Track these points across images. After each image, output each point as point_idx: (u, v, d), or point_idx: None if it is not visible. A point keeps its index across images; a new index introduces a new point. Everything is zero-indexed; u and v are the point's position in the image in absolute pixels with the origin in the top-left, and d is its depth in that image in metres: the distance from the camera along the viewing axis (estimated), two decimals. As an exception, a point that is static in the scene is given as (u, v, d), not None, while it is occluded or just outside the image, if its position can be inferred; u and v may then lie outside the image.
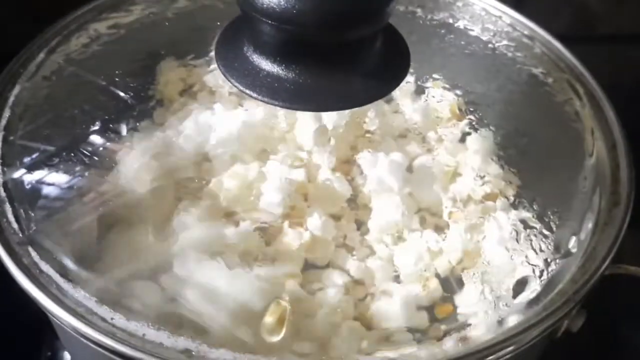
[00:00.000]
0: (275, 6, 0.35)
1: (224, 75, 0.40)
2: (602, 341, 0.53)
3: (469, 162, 0.44)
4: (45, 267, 0.36)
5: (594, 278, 0.36)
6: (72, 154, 0.42)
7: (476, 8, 0.53)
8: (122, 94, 0.45)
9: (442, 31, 0.52)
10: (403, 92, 0.48)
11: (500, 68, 0.51)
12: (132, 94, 0.45)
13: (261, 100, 0.39)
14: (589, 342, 0.47)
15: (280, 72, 0.39)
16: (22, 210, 0.39)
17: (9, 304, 0.49)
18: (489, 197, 0.43)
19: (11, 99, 0.43)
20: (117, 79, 0.46)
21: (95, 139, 0.43)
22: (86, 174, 0.41)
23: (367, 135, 0.45)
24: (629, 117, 0.47)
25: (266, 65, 0.39)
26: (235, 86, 0.39)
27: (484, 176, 0.44)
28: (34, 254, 0.37)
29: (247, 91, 0.39)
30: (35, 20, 0.48)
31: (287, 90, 0.38)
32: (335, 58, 0.38)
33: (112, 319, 0.34)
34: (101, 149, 0.43)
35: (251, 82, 0.39)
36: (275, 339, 0.35)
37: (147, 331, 0.33)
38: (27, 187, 0.40)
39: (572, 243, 0.39)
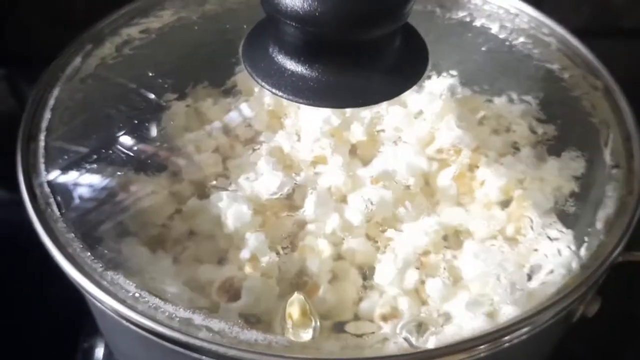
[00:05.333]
0: (298, 9, 0.37)
1: (251, 75, 0.41)
2: (618, 327, 0.54)
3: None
4: (87, 255, 0.38)
5: (606, 264, 0.38)
6: (110, 153, 0.44)
7: (494, 7, 0.55)
8: (153, 96, 0.47)
9: (461, 29, 0.54)
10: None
11: (518, 65, 0.52)
12: (163, 95, 0.48)
13: (286, 99, 0.40)
14: (605, 328, 0.48)
15: (304, 71, 0.40)
16: (65, 205, 0.41)
17: (48, 296, 0.52)
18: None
19: (51, 101, 0.45)
20: (149, 82, 0.48)
21: (129, 139, 0.45)
22: (122, 171, 0.44)
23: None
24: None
25: (290, 64, 0.40)
26: (262, 85, 0.41)
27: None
28: (77, 243, 0.39)
29: (273, 90, 0.40)
30: (69, 26, 0.50)
31: (310, 89, 0.40)
32: (356, 57, 0.40)
33: (149, 302, 0.36)
34: (136, 148, 0.45)
35: (276, 81, 0.40)
36: (309, 333, 0.36)
37: (181, 313, 0.36)
38: (70, 183, 0.43)
39: (587, 231, 0.41)
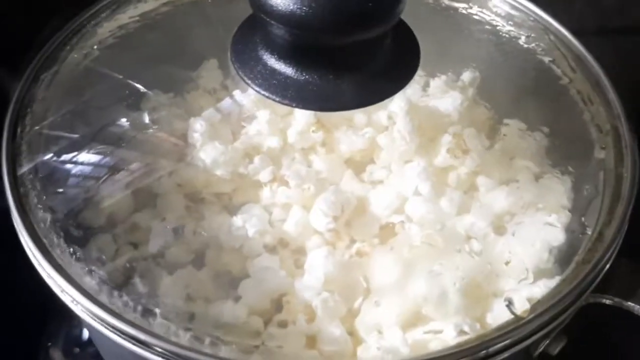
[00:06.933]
0: (284, 10, 0.36)
1: (239, 75, 0.41)
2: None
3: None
4: (72, 260, 0.39)
5: (573, 306, 0.37)
6: (96, 142, 0.44)
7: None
8: (140, 86, 0.47)
9: (480, 44, 0.52)
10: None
11: (520, 63, 0.51)
12: (150, 86, 0.47)
13: (274, 100, 0.40)
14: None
15: (292, 72, 0.39)
16: (47, 196, 0.41)
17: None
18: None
19: (38, 91, 0.45)
20: (135, 72, 0.47)
21: (116, 128, 0.45)
22: (109, 159, 0.44)
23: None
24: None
25: (278, 65, 0.40)
26: (249, 85, 0.40)
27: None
28: (62, 244, 0.39)
29: (262, 91, 0.40)
30: (45, 12, 0.50)
31: (299, 90, 0.39)
32: (345, 58, 0.39)
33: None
34: (123, 135, 0.45)
35: (265, 82, 0.40)
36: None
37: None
38: (54, 174, 0.43)
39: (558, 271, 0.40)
